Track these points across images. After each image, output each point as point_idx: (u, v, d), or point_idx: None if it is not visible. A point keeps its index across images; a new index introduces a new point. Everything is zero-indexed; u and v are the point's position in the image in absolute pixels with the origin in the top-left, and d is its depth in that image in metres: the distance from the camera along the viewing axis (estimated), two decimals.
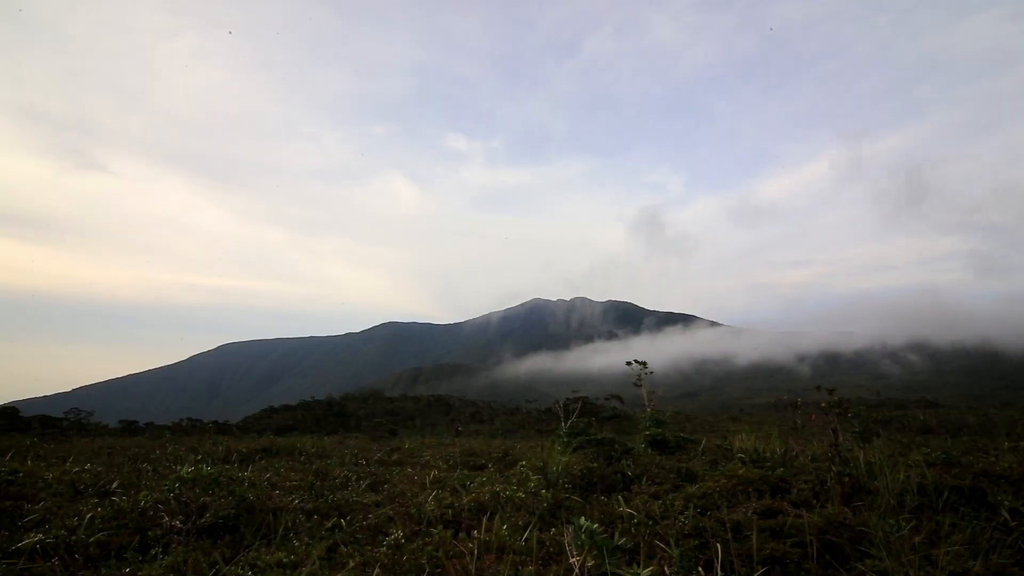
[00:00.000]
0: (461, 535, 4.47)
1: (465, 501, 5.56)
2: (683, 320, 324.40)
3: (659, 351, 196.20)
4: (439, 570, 3.80)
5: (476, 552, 3.89)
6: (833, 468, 5.52)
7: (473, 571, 3.64)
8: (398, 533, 4.31)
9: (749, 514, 4.51)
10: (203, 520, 4.79)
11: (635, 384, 11.40)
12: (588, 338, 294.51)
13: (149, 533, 4.64)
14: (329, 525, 4.93)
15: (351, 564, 3.90)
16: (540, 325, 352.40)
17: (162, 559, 3.99)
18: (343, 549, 4.22)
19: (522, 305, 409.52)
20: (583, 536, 3.27)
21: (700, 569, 3.49)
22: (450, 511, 5.38)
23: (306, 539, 4.63)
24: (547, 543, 4.17)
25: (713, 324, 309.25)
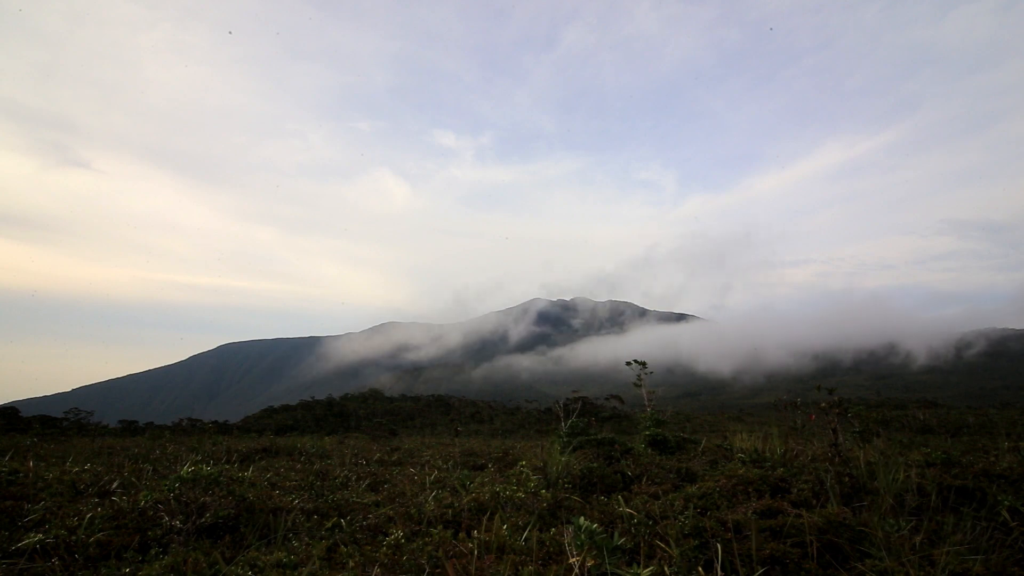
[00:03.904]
0: (461, 535, 4.47)
1: (465, 501, 5.56)
2: (683, 319, 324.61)
3: (659, 350, 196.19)
4: (439, 570, 3.79)
5: (476, 552, 3.89)
6: (833, 468, 5.52)
7: (473, 571, 3.64)
8: (398, 533, 4.31)
9: (749, 514, 4.51)
10: (203, 520, 4.79)
11: (635, 384, 11.40)
12: (588, 338, 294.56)
13: (149, 533, 4.64)
14: (329, 525, 4.93)
15: (351, 564, 3.90)
16: (540, 325, 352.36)
17: (162, 559, 3.98)
18: (343, 549, 4.22)
19: (521, 304, 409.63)
20: (583, 536, 3.27)
21: (700, 569, 3.49)
22: (450, 511, 5.38)
23: (306, 539, 4.63)
24: (547, 543, 4.17)
25: (712, 323, 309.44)
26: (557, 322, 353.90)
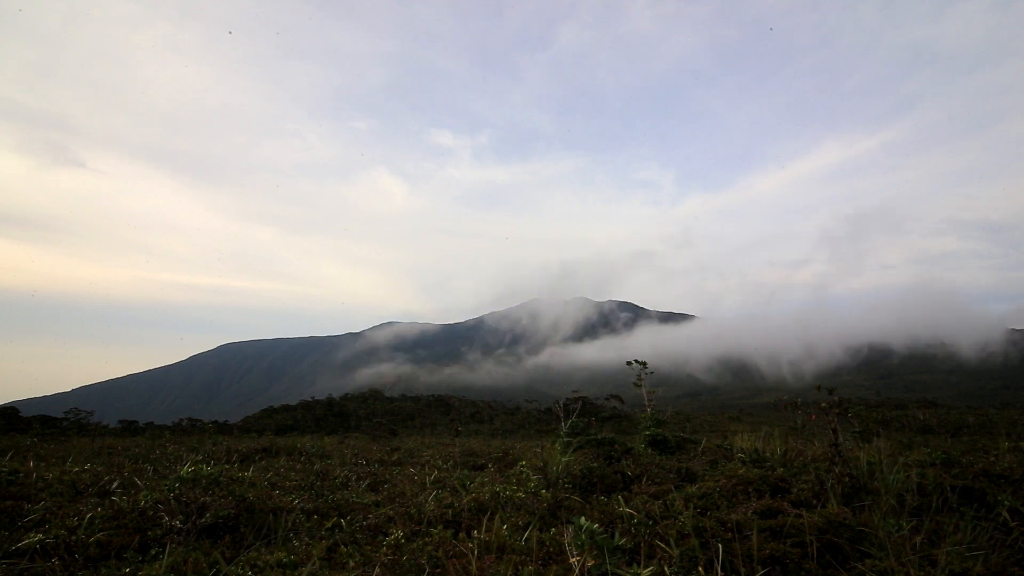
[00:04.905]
0: (461, 535, 4.47)
1: (465, 501, 5.56)
2: (682, 319, 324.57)
3: (659, 351, 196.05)
4: (439, 570, 3.79)
5: (476, 552, 3.89)
6: (833, 468, 5.52)
7: (473, 571, 3.64)
8: (398, 533, 4.31)
9: (749, 514, 4.51)
10: (203, 520, 4.78)
11: (635, 384, 11.41)
12: (588, 338, 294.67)
13: (149, 533, 4.64)
14: (329, 525, 4.93)
15: (351, 564, 3.90)
16: (540, 324, 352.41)
17: (162, 559, 3.98)
18: (343, 549, 4.22)
19: (522, 305, 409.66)
20: (583, 536, 3.27)
21: (700, 569, 3.49)
22: (450, 511, 5.38)
23: (306, 539, 4.63)
24: (547, 543, 4.17)
25: (712, 323, 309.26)
26: (558, 322, 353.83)
